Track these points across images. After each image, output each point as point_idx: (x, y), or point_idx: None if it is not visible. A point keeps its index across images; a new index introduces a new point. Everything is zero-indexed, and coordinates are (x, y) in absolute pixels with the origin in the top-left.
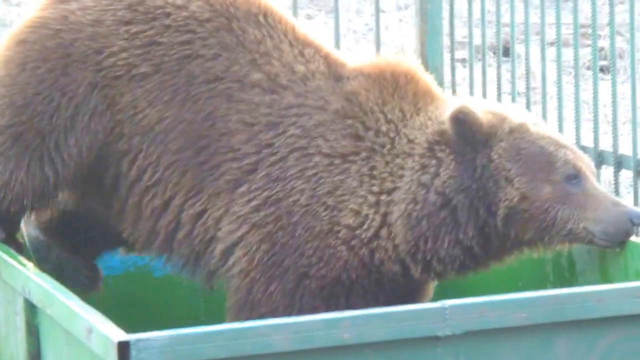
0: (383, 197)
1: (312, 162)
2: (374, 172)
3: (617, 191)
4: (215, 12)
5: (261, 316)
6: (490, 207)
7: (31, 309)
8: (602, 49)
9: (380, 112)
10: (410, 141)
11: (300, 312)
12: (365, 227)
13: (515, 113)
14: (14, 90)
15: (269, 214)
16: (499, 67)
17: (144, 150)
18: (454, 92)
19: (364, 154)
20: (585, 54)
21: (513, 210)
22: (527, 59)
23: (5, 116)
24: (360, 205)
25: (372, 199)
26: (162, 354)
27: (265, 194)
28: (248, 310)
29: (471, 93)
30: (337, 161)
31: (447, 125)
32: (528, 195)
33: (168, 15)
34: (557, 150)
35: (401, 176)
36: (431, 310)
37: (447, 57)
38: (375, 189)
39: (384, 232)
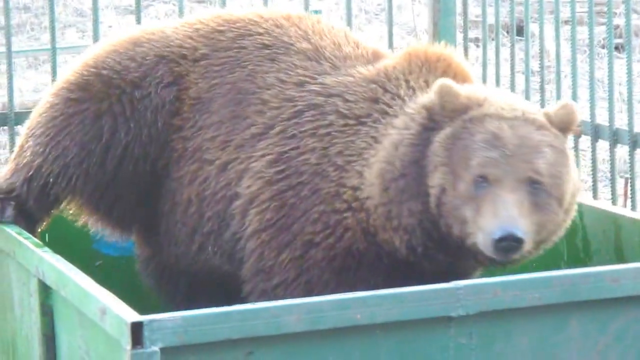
0: (374, 158)
1: (326, 121)
2: (376, 135)
3: (632, 169)
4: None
5: (274, 286)
6: (427, 190)
7: (45, 290)
8: (617, 27)
9: (404, 80)
10: (415, 104)
11: (310, 284)
12: (363, 186)
13: (506, 104)
14: (87, 59)
15: (280, 170)
16: (512, 46)
17: (191, 120)
18: None
19: (375, 116)
20: (600, 32)
21: (438, 199)
22: (541, 37)
23: (75, 73)
24: (363, 167)
25: (372, 160)
26: (175, 335)
27: (278, 149)
28: (262, 280)
29: (484, 73)
30: (351, 122)
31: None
32: (446, 188)
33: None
34: (482, 149)
35: (389, 135)
36: (444, 291)
37: (460, 36)
38: (374, 151)
39: (377, 197)
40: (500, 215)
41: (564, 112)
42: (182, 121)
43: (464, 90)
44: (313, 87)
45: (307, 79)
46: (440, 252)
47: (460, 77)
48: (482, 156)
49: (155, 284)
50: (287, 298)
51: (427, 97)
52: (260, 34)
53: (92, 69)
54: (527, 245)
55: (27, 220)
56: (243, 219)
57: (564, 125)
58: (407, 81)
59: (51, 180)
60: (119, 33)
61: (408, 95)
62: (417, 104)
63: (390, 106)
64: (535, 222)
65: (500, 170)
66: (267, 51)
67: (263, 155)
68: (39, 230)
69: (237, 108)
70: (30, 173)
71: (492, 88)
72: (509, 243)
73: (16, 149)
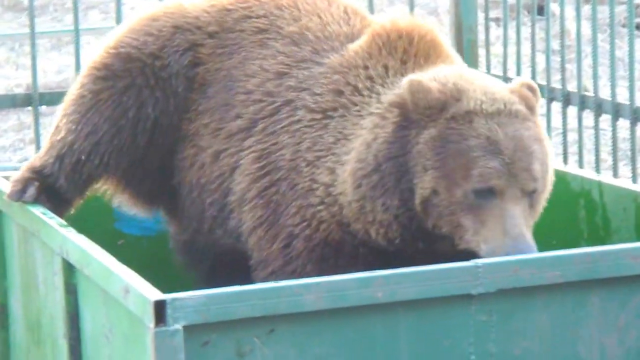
0: (346, 157)
1: (297, 116)
2: (345, 132)
3: None
4: None
5: (269, 274)
6: (412, 188)
7: (69, 269)
8: (638, 6)
9: (362, 68)
10: (379, 102)
11: (295, 274)
12: (336, 184)
13: (483, 94)
14: (109, 41)
15: (261, 167)
16: (533, 25)
17: (195, 103)
18: (487, 51)
19: (340, 111)
20: (621, 11)
21: (426, 200)
22: (561, 17)
23: (98, 56)
24: (335, 163)
25: (344, 157)
26: (198, 313)
27: (260, 146)
28: (261, 269)
29: (505, 52)
30: (318, 116)
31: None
32: (439, 191)
33: None
34: (481, 158)
35: (360, 135)
36: (464, 269)
37: (481, 16)
38: (345, 149)
39: (349, 192)
40: (511, 234)
41: (530, 93)
42: (190, 101)
43: (434, 83)
44: (288, 82)
45: (286, 70)
46: (419, 241)
47: (422, 54)
48: (484, 166)
49: (184, 260)
50: None
51: (395, 94)
52: (259, 17)
53: (112, 50)
54: None
55: (54, 201)
56: (239, 216)
57: (533, 107)
58: (365, 68)
59: (83, 157)
60: (139, 13)
61: (366, 87)
62: (383, 102)
63: (352, 102)
64: (530, 223)
65: (504, 182)
66: (260, 36)
67: (249, 152)
68: (68, 212)
69: (227, 96)
70: (63, 150)
71: (456, 66)
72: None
73: (52, 128)
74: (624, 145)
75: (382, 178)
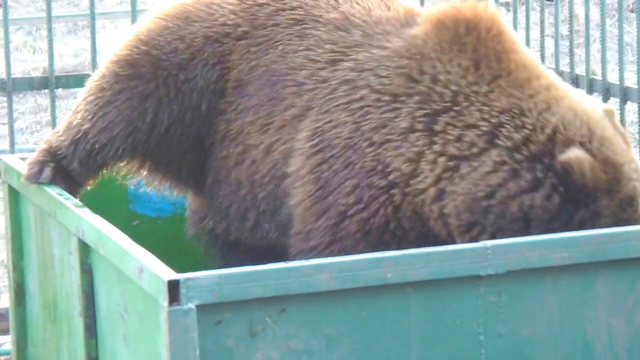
0: (442, 159)
1: (358, 95)
2: (435, 127)
3: None
4: None
5: (310, 249)
6: None
7: (85, 248)
8: None
9: (437, 60)
10: (487, 121)
11: (342, 253)
12: (419, 178)
13: (634, 171)
14: (139, 32)
15: (314, 144)
16: (542, 10)
17: (233, 103)
18: None
19: (416, 98)
20: None
21: None
22: (570, 2)
23: (126, 48)
24: (416, 154)
25: (430, 155)
26: (211, 293)
27: (315, 125)
28: (301, 241)
29: None
30: (386, 98)
31: (558, 161)
32: None
33: None
34: None
35: (476, 155)
36: (473, 250)
37: (491, 1)
38: (437, 147)
39: (432, 192)
40: None
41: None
42: (225, 104)
43: (592, 160)
44: (346, 64)
45: (339, 56)
46: None
47: (492, 54)
48: None
49: (207, 246)
50: None
51: (541, 144)
52: (294, 9)
53: (143, 47)
54: None
55: (69, 182)
56: (292, 192)
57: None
58: (440, 61)
59: (97, 147)
60: (170, 3)
61: (451, 83)
62: (513, 140)
63: (433, 91)
64: None
65: None
66: (297, 27)
67: (303, 133)
68: (81, 191)
69: (272, 90)
70: (78, 136)
71: (555, 92)
72: None
73: (73, 107)
74: (632, 129)
75: (527, 229)
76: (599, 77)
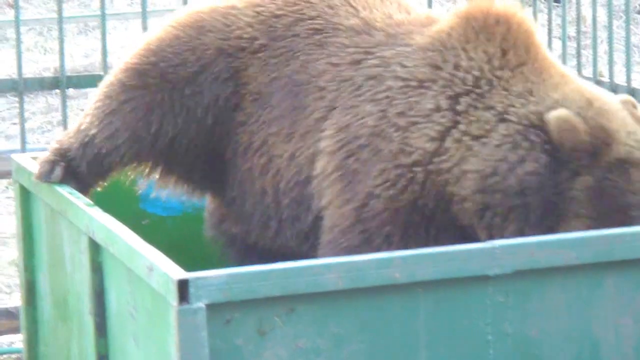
0: (466, 138)
1: (384, 86)
2: (457, 107)
3: None
4: None
5: (337, 235)
6: (554, 227)
7: (95, 247)
8: None
9: (462, 50)
10: (502, 102)
11: (367, 233)
12: (443, 157)
13: (629, 138)
14: (151, 40)
15: (339, 140)
16: (549, 11)
17: (254, 115)
18: None
19: (441, 82)
20: None
21: None
22: (577, 3)
23: (136, 57)
24: (439, 132)
25: (456, 133)
26: (220, 292)
27: (340, 121)
28: (327, 233)
29: None
30: (413, 83)
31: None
32: None
33: None
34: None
35: (488, 131)
36: (481, 250)
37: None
38: (462, 127)
39: (456, 171)
40: None
41: None
42: (245, 116)
43: (579, 121)
44: (371, 61)
45: (363, 55)
46: None
47: (521, 44)
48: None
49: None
50: (345, 245)
51: (535, 114)
52: (312, 18)
53: (152, 58)
54: None
55: (78, 182)
56: (320, 198)
57: None
58: (465, 50)
59: (104, 151)
60: (185, 11)
61: (472, 67)
62: (518, 115)
63: (455, 76)
64: None
65: None
66: (318, 37)
67: (328, 131)
68: (91, 192)
69: (295, 100)
70: (86, 140)
71: (569, 79)
72: None
73: (85, 109)
74: None
75: (527, 207)
76: (606, 79)
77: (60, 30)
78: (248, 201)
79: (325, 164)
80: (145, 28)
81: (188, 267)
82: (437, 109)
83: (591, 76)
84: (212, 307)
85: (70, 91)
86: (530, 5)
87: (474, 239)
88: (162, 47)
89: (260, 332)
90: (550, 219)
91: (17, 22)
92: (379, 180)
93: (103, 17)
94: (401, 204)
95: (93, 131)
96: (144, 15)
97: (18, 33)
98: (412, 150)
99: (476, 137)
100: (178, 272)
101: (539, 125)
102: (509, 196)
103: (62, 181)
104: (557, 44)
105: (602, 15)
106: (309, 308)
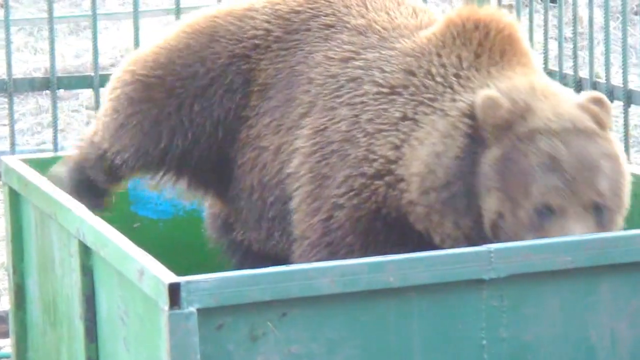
0: (416, 143)
1: (362, 90)
2: (416, 115)
3: None
4: None
5: (307, 248)
6: (480, 210)
7: (85, 251)
8: None
9: (436, 55)
10: (453, 100)
11: (333, 246)
12: (401, 164)
13: (550, 112)
14: (161, 47)
15: (315, 143)
16: (546, 12)
17: (256, 107)
18: None
19: (411, 89)
20: None
21: (494, 223)
22: (574, 4)
23: (144, 67)
24: (401, 141)
25: (412, 140)
26: (211, 296)
27: (317, 122)
28: (298, 245)
29: None
30: (385, 90)
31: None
32: (504, 214)
33: None
34: (542, 177)
35: (431, 133)
36: (476, 254)
37: (494, 2)
38: (415, 133)
39: (407, 176)
40: None
41: (602, 109)
42: (249, 110)
43: (505, 100)
44: (356, 63)
45: (352, 55)
46: None
47: (497, 49)
48: (543, 184)
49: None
50: (315, 260)
51: (468, 103)
52: (327, 15)
53: (159, 71)
54: None
55: (95, 189)
56: (291, 198)
57: (604, 123)
58: (439, 55)
59: (116, 164)
60: (201, 14)
61: (439, 74)
62: (457, 104)
63: (424, 85)
64: None
65: (564, 199)
66: (327, 31)
67: (305, 130)
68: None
69: (290, 91)
70: (99, 153)
71: (530, 74)
72: None
73: (99, 112)
74: (636, 132)
75: (453, 197)
76: (602, 80)
77: (51, 30)
78: (243, 199)
79: (298, 165)
80: (137, 28)
81: (179, 271)
82: (404, 117)
83: (587, 77)
84: (203, 312)
85: (61, 92)
86: (526, 6)
87: (432, 243)
88: (172, 58)
89: (253, 337)
90: (474, 202)
91: (7, 22)
92: (344, 188)
93: (94, 17)
94: (363, 212)
95: (105, 145)
96: (136, 15)
97: (8, 33)
98: (375, 157)
99: (422, 141)
100: (169, 276)
101: (471, 113)
102: (439, 191)
103: (79, 189)
104: (553, 44)
105: (598, 16)
106: (301, 313)
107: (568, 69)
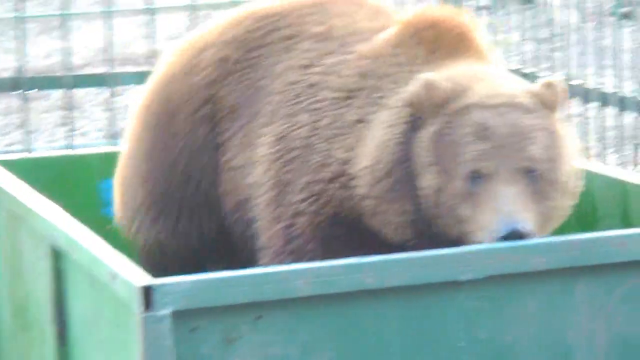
0: (366, 142)
1: (320, 96)
2: (368, 116)
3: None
4: None
5: (271, 257)
6: (420, 191)
7: (56, 254)
8: None
9: (390, 56)
10: (397, 93)
11: (295, 253)
12: (352, 163)
13: (488, 88)
14: (144, 96)
15: (277, 150)
16: (522, 14)
17: (227, 132)
18: None
19: (365, 92)
20: (608, 0)
21: (433, 200)
22: (549, 5)
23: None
24: (355, 142)
25: (365, 141)
26: (186, 299)
27: (278, 130)
28: (262, 255)
29: (494, 41)
30: (342, 95)
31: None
32: (441, 188)
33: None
34: (471, 144)
35: (375, 128)
36: (453, 255)
37: (470, 4)
38: (366, 132)
39: (358, 173)
40: (501, 211)
41: (550, 91)
42: (220, 137)
43: (445, 82)
44: (316, 69)
45: (312, 62)
46: (438, 244)
47: (451, 45)
48: (472, 150)
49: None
50: None
51: (409, 91)
52: (286, 27)
53: (146, 134)
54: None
55: None
56: (252, 206)
57: (551, 104)
58: (394, 55)
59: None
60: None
61: (393, 73)
62: (400, 99)
63: (377, 87)
64: (538, 212)
65: (493, 162)
66: (287, 42)
67: (266, 139)
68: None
69: (255, 106)
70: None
71: (481, 63)
72: (515, 240)
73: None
74: (611, 134)
75: (395, 183)
76: (578, 82)
77: (21, 29)
78: (226, 224)
79: (261, 173)
80: (109, 28)
81: (153, 274)
82: (359, 120)
83: (563, 79)
84: (177, 315)
85: (31, 92)
86: (502, 7)
87: (389, 243)
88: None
89: (228, 340)
90: (414, 185)
91: None
92: (304, 195)
93: (65, 16)
94: (323, 218)
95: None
96: (108, 14)
97: None
98: (331, 162)
99: (371, 137)
100: (142, 279)
101: (409, 100)
102: (384, 179)
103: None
104: (529, 46)
105: (574, 17)
106: (277, 315)
107: (544, 71)
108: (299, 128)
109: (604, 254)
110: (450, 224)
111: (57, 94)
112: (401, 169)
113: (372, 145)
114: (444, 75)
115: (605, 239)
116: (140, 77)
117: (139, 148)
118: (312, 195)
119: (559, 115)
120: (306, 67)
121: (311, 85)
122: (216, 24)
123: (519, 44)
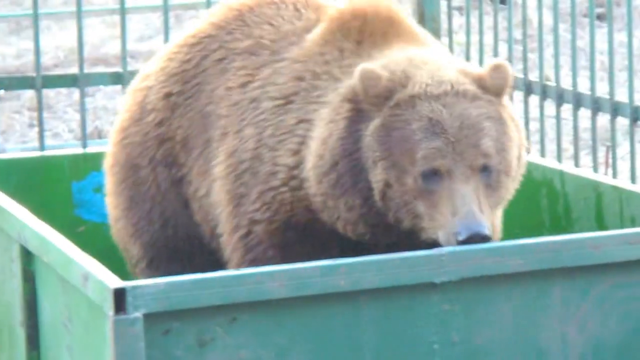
0: (311, 142)
1: (261, 108)
2: (307, 116)
3: (613, 138)
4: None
5: (232, 267)
6: (370, 185)
7: (27, 256)
8: None
9: (319, 54)
10: (335, 89)
11: (256, 262)
12: (302, 167)
13: (430, 77)
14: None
15: (228, 165)
16: (495, 14)
17: (185, 166)
18: (450, 40)
19: (302, 94)
20: (582, 1)
21: (383, 194)
22: (523, 6)
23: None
24: (299, 144)
25: (308, 141)
26: (158, 301)
27: (228, 147)
28: (227, 266)
29: (468, 41)
30: (280, 102)
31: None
32: (391, 183)
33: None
34: (425, 140)
35: (319, 126)
36: (428, 257)
37: (443, 4)
38: (310, 133)
39: (307, 175)
40: (461, 213)
41: (498, 74)
42: (184, 170)
43: (384, 72)
44: (254, 84)
45: (248, 78)
46: (390, 235)
47: (378, 32)
48: (426, 148)
49: None
50: None
51: (347, 85)
52: (215, 50)
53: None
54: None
55: None
56: (219, 223)
57: (498, 88)
58: (322, 54)
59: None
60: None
61: (324, 72)
62: (338, 94)
63: (313, 86)
64: (491, 205)
65: (449, 161)
66: (220, 66)
67: (219, 159)
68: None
69: (206, 134)
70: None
71: (412, 48)
72: (475, 243)
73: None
74: (585, 135)
75: (340, 177)
76: (552, 83)
77: None
78: (205, 253)
79: (218, 190)
80: (80, 28)
81: (125, 276)
82: (299, 121)
83: (537, 80)
84: (150, 317)
85: (2, 93)
86: (476, 8)
87: (345, 242)
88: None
89: (201, 343)
90: (362, 180)
91: None
92: (258, 204)
93: (36, 16)
94: (277, 224)
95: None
96: (79, 14)
97: None
98: (279, 169)
99: (314, 137)
100: (114, 281)
101: (349, 94)
102: (328, 175)
103: None
104: (503, 47)
105: (548, 18)
106: (251, 317)
107: (518, 72)
108: (246, 142)
109: (579, 256)
110: (402, 218)
111: (27, 95)
112: (345, 163)
113: (315, 144)
114: (379, 63)
115: (579, 241)
116: (111, 78)
117: (119, 205)
118: (265, 204)
119: (504, 99)
120: (244, 85)
121: (252, 100)
122: (159, 57)
123: (492, 45)
